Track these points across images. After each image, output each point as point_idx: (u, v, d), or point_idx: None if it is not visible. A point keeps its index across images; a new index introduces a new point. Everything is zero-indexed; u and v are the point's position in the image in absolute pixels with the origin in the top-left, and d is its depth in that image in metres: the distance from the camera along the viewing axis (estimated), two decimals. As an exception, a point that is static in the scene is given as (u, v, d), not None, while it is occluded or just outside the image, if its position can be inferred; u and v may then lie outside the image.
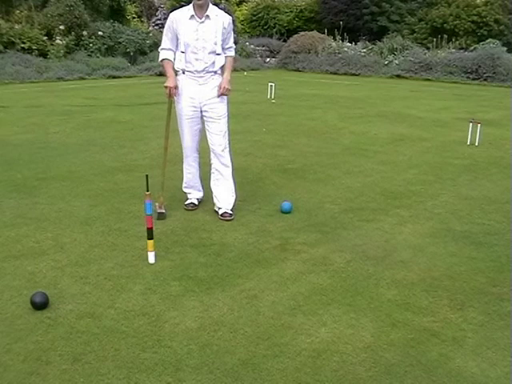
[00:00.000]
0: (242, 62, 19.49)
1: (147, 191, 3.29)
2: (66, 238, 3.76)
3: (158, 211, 4.19)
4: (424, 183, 5.40)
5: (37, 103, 10.13)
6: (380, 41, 19.97)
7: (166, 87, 4.06)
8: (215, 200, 4.30)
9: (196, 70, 4.06)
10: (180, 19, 3.98)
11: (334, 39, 20.50)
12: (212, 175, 4.30)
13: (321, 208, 4.57)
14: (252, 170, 5.73)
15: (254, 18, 25.46)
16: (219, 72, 4.16)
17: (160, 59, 4.17)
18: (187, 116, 4.16)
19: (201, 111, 4.16)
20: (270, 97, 11.45)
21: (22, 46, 15.53)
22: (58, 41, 16.14)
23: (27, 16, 16.98)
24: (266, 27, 24.94)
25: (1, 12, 17.34)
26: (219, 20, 4.01)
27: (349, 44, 20.35)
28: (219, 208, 4.27)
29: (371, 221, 4.29)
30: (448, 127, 8.68)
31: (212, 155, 4.23)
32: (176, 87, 4.08)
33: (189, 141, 4.26)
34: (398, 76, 17.76)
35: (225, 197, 4.25)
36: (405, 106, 10.96)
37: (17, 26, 16.04)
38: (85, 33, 16.70)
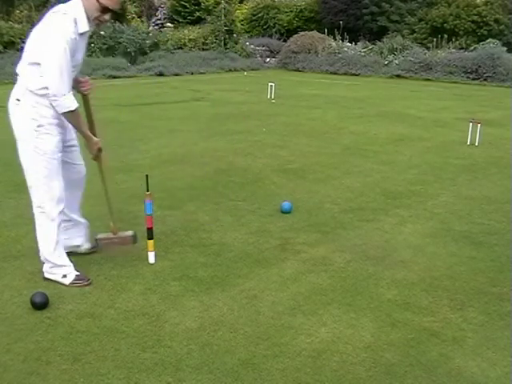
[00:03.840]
0: (242, 62, 19.46)
1: (147, 191, 3.29)
2: (66, 238, 3.76)
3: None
4: (424, 183, 5.40)
5: (37, 103, 10.11)
6: (380, 41, 19.98)
7: (100, 149, 3.30)
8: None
9: None
10: (76, 36, 3.01)
11: (334, 39, 20.51)
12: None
13: (321, 208, 4.57)
14: (252, 170, 5.73)
15: (254, 18, 25.45)
16: None
17: (74, 107, 3.02)
18: (60, 154, 3.18)
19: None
20: (270, 97, 11.45)
21: (23, 45, 15.52)
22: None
23: (27, 16, 16.99)
24: (265, 27, 24.93)
25: (1, 12, 17.35)
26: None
27: (349, 44, 20.37)
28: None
29: (371, 221, 4.29)
30: (448, 127, 8.68)
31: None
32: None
33: (61, 184, 3.16)
34: (398, 76, 17.76)
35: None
36: (405, 106, 10.95)
37: (17, 26, 16.04)
38: (86, 33, 16.72)
